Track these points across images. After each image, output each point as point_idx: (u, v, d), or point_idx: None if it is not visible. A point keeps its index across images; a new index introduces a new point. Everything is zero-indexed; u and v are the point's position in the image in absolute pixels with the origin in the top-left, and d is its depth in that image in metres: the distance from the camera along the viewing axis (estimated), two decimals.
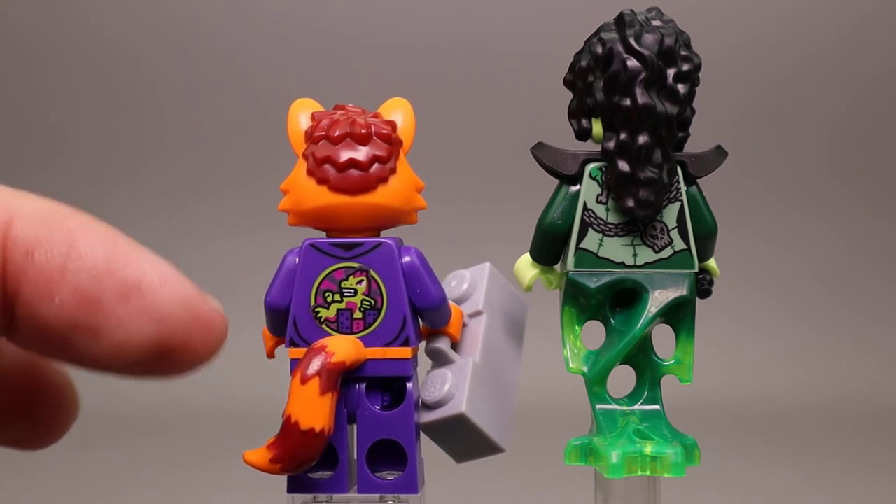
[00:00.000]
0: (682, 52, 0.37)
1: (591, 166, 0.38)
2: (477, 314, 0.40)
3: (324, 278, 0.35)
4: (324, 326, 0.35)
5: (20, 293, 0.14)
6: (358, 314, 0.35)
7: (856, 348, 0.92)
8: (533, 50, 0.95)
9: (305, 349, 0.34)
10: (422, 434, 0.37)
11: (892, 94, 1.00)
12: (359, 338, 0.35)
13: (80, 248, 0.15)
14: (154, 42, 1.00)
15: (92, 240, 0.15)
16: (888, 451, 0.76)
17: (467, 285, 0.41)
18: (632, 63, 0.36)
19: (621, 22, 0.37)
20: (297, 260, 0.36)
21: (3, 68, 1.00)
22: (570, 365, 0.39)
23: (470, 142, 0.97)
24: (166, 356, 0.15)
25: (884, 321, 0.95)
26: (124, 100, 0.99)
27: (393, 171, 0.35)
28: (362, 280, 0.35)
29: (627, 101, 0.36)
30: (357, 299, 0.35)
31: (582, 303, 0.39)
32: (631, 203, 0.37)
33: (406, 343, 0.35)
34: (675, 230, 0.38)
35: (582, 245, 0.38)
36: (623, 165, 0.37)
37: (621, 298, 0.39)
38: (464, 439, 0.37)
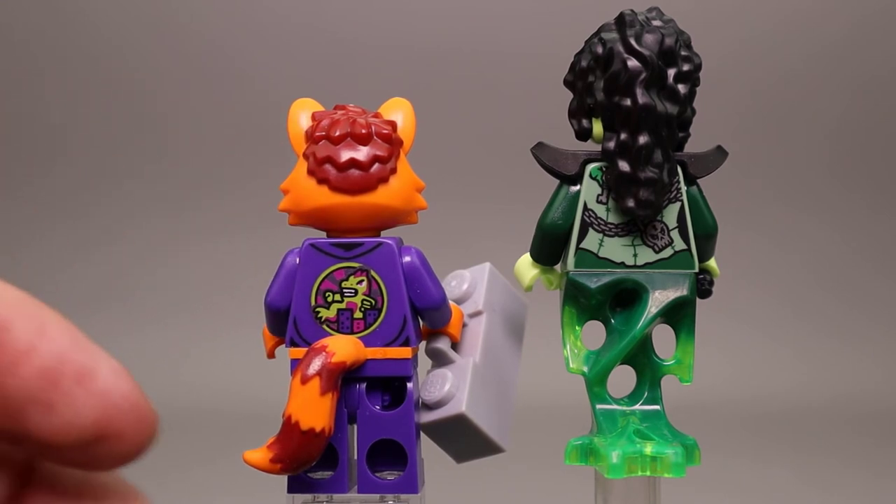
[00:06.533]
0: (683, 53, 0.37)
1: (591, 166, 0.38)
2: (477, 314, 0.40)
3: (324, 278, 0.35)
4: (324, 326, 0.35)
5: None
6: (358, 314, 0.35)
7: (856, 348, 0.92)
8: (533, 50, 0.95)
9: (306, 349, 0.34)
10: (422, 434, 0.37)
11: (892, 94, 1.00)
12: (359, 338, 0.35)
13: (49, 331, 0.16)
14: (153, 42, 1.00)
15: (59, 328, 0.17)
16: (888, 451, 0.76)
17: (467, 285, 0.41)
18: (632, 63, 0.36)
19: (622, 22, 0.37)
20: (298, 260, 0.36)
21: (3, 68, 1.00)
22: (571, 365, 0.39)
23: (470, 142, 0.97)
24: (103, 441, 0.16)
25: (884, 321, 0.95)
26: (124, 100, 0.99)
27: (393, 171, 0.35)
28: (363, 280, 0.35)
29: (628, 101, 0.36)
30: (357, 299, 0.35)
31: (582, 303, 0.39)
32: (631, 203, 0.37)
33: (406, 343, 0.35)
34: (676, 230, 0.38)
35: (582, 245, 0.38)
36: (623, 165, 0.37)
37: (621, 298, 0.39)
38: (464, 439, 0.38)
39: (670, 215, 0.38)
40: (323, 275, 0.35)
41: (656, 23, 0.37)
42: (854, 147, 1.00)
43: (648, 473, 0.36)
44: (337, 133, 0.35)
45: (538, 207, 0.39)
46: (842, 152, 1.00)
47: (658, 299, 0.38)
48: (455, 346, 0.38)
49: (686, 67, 0.37)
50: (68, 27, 1.00)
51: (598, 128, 0.38)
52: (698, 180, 0.39)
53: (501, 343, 0.41)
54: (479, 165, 0.96)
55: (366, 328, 0.35)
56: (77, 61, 0.99)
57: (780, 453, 0.74)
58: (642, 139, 0.36)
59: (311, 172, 0.35)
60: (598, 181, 0.38)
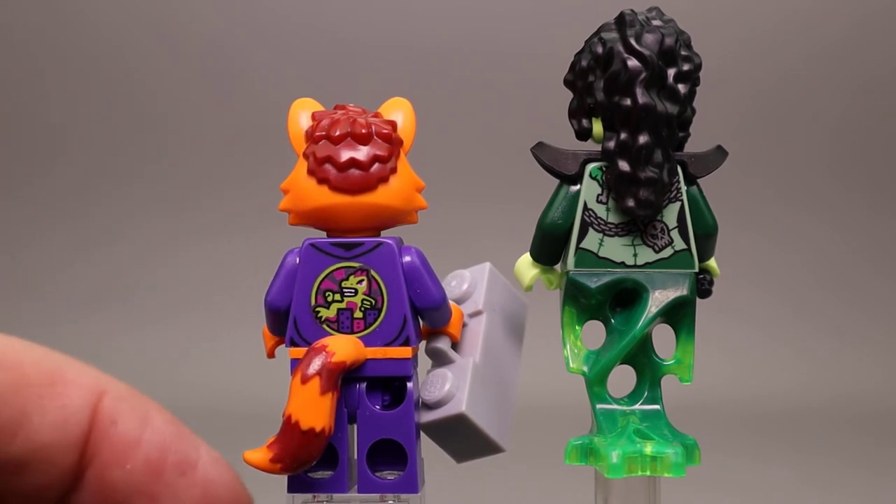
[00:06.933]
0: (683, 52, 0.37)
1: (591, 166, 0.38)
2: (477, 314, 0.40)
3: (324, 278, 0.35)
4: (324, 326, 0.35)
5: (97, 457, 0.16)
6: (358, 314, 0.35)
7: (856, 348, 0.92)
8: (533, 50, 0.95)
9: (306, 349, 0.34)
10: (422, 434, 0.37)
11: (892, 94, 1.00)
12: (359, 337, 0.35)
13: (154, 423, 0.17)
14: (153, 42, 1.00)
15: (162, 418, 0.17)
16: (888, 451, 0.76)
17: (467, 285, 0.41)
18: (632, 63, 0.36)
19: (622, 22, 0.37)
20: (298, 260, 0.36)
21: (3, 68, 1.00)
22: (571, 365, 0.39)
23: (470, 142, 0.97)
24: None
25: (884, 321, 0.95)
26: (124, 100, 0.99)
27: (393, 170, 0.35)
28: (363, 280, 0.35)
29: (628, 101, 0.36)
30: (357, 299, 0.35)
31: (582, 303, 0.39)
32: (631, 203, 0.37)
33: (406, 343, 0.35)
34: (676, 230, 0.38)
35: (582, 245, 0.38)
36: (623, 165, 0.37)
37: (621, 298, 0.39)
38: (464, 439, 0.37)
39: (670, 215, 0.38)
40: (323, 274, 0.35)
41: (656, 22, 0.37)
42: (854, 147, 1.00)
43: (648, 473, 0.36)
44: (337, 133, 0.35)
45: (538, 207, 0.39)
46: (842, 152, 0.99)
47: (658, 299, 0.38)
48: (455, 345, 0.38)
49: (686, 67, 0.37)
50: (68, 27, 1.00)
51: (598, 128, 0.38)
52: (698, 180, 0.39)
53: (501, 343, 0.41)
54: (479, 165, 0.96)
55: (366, 328, 0.35)
56: (77, 61, 0.99)
57: (780, 453, 0.74)
58: (642, 139, 0.36)
59: (311, 172, 0.35)
60: (598, 181, 0.38)
